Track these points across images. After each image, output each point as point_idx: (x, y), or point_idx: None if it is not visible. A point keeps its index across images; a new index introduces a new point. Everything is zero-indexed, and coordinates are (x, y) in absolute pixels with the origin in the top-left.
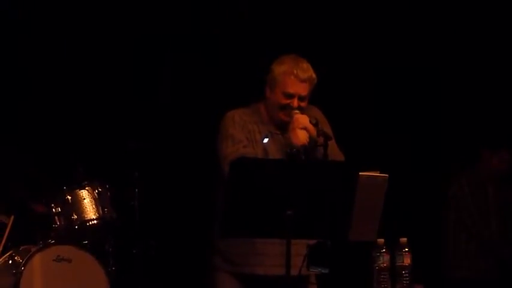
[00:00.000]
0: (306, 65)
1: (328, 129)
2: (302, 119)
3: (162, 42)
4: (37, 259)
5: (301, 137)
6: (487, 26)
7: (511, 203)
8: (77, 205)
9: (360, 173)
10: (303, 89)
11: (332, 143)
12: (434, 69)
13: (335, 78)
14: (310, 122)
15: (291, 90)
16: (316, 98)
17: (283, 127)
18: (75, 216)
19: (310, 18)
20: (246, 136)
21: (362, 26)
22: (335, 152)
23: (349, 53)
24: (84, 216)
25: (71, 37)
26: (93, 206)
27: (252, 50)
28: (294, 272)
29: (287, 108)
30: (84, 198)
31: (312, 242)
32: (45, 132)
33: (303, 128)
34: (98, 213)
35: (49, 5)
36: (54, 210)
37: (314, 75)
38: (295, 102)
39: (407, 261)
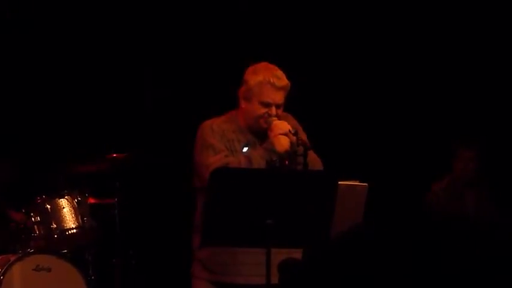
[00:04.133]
0: (280, 73)
1: (304, 137)
2: (281, 125)
3: (143, 53)
4: (16, 268)
5: (283, 142)
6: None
7: (490, 208)
8: (56, 214)
9: (340, 182)
10: (279, 97)
11: (310, 152)
12: (412, 77)
13: (313, 86)
14: (290, 131)
15: (268, 99)
16: (294, 106)
17: (261, 135)
18: (55, 225)
19: (287, 27)
20: (226, 145)
21: (339, 33)
22: (314, 161)
23: (327, 61)
24: (63, 225)
25: (53, 48)
26: (73, 215)
27: (234, 59)
28: (274, 280)
29: (265, 117)
30: (64, 207)
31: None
32: (26, 140)
33: (283, 134)
34: (77, 222)
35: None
36: (33, 219)
37: (288, 82)
38: (273, 111)
39: None
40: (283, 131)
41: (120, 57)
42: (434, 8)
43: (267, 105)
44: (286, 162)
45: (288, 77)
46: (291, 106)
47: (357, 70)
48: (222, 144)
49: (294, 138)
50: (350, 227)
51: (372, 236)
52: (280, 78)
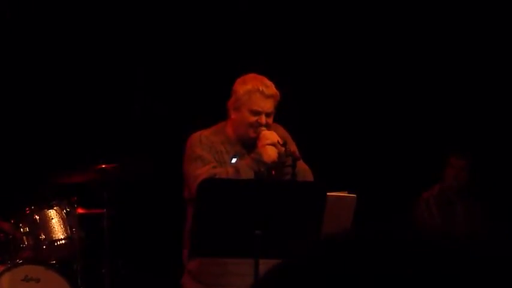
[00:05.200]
0: (269, 82)
1: (293, 147)
2: (270, 135)
3: (133, 62)
4: (5, 279)
5: (271, 153)
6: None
7: (480, 220)
8: (45, 225)
9: (328, 194)
10: (269, 106)
11: (300, 163)
12: (402, 86)
13: (304, 96)
14: (278, 143)
15: (257, 107)
16: (284, 116)
17: (250, 147)
18: (44, 236)
19: (274, 38)
20: (214, 157)
21: (328, 43)
22: (304, 172)
23: (315, 71)
24: (52, 236)
25: (38, 58)
26: (62, 226)
27: (224, 68)
28: None
29: (255, 126)
30: (53, 218)
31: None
32: (14, 150)
33: (271, 144)
34: (66, 233)
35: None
36: (22, 230)
37: (277, 92)
38: (262, 119)
39: None
40: (271, 141)
41: (108, 66)
42: (423, 21)
43: (257, 113)
44: (273, 172)
45: (278, 85)
46: (281, 116)
47: (346, 79)
48: (210, 156)
49: (283, 149)
50: (332, 236)
51: (357, 246)
52: (268, 86)
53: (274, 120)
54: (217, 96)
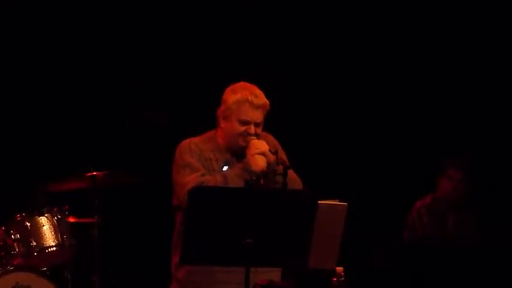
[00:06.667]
0: (258, 92)
1: (283, 156)
2: (259, 144)
3: (123, 70)
4: None
5: (260, 162)
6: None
7: (471, 230)
8: (36, 232)
9: (319, 202)
10: (258, 116)
11: (290, 172)
12: (394, 95)
13: (294, 104)
14: (270, 151)
15: (246, 117)
16: (274, 125)
17: (240, 155)
18: (34, 243)
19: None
20: (203, 164)
21: (323, 49)
22: (294, 180)
23: (308, 78)
24: (43, 243)
25: (28, 65)
26: (52, 233)
27: (214, 76)
28: None
29: (244, 135)
30: (44, 225)
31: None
32: (5, 157)
33: (260, 154)
34: (57, 240)
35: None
36: (13, 236)
37: (267, 101)
38: (252, 129)
39: None
40: (260, 151)
41: (99, 73)
42: (419, 26)
43: (246, 123)
44: (262, 181)
45: (270, 93)
46: (272, 125)
47: (339, 86)
48: (199, 164)
49: (274, 157)
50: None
51: None
52: (258, 96)
53: (265, 129)
54: (210, 103)
